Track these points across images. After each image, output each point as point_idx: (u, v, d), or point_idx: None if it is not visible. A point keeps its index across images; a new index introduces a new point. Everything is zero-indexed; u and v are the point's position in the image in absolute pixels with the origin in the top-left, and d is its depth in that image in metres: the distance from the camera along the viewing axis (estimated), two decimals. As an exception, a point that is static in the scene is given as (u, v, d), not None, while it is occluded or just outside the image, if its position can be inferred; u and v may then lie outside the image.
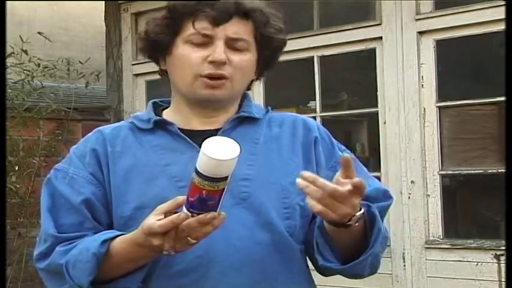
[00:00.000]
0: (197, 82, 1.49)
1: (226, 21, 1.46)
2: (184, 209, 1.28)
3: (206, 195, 1.25)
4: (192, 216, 1.26)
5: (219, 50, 1.46)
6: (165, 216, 1.29)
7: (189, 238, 1.29)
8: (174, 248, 1.30)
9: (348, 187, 1.29)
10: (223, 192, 1.27)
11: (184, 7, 1.48)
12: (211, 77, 1.48)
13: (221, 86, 1.49)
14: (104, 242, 1.40)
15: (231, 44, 1.48)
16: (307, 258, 1.57)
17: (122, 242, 1.39)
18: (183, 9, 1.48)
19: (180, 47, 1.50)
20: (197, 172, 1.25)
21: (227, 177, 1.25)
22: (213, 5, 1.46)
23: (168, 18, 1.50)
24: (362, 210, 1.37)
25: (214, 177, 1.24)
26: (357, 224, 1.37)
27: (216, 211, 1.27)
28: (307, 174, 1.31)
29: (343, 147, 1.64)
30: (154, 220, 1.29)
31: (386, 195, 1.55)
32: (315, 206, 1.30)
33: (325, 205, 1.29)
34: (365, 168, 1.63)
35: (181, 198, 1.29)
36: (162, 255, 1.35)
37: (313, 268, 1.57)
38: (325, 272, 1.53)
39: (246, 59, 1.51)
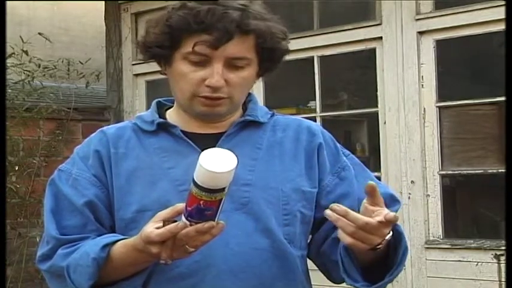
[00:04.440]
0: (195, 100, 1.48)
1: (226, 42, 1.42)
2: (183, 217, 1.28)
3: (204, 205, 1.25)
4: (191, 225, 1.27)
5: (216, 76, 1.43)
6: (164, 224, 1.28)
7: (187, 246, 1.29)
8: (171, 256, 1.30)
9: (379, 218, 1.29)
10: (221, 202, 1.27)
11: (184, 26, 1.43)
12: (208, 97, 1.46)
13: (219, 104, 1.48)
14: (105, 246, 1.40)
15: (231, 62, 1.45)
16: (323, 270, 1.56)
17: (122, 246, 1.40)
18: (182, 28, 1.43)
19: (179, 62, 1.47)
20: (195, 183, 1.25)
21: (224, 188, 1.26)
22: (213, 24, 1.41)
23: (167, 33, 1.45)
24: (390, 233, 1.36)
25: (212, 189, 1.24)
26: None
27: (214, 220, 1.27)
28: (337, 207, 1.30)
29: (348, 152, 1.63)
30: (152, 228, 1.29)
31: (393, 199, 1.54)
32: (346, 238, 1.30)
33: (356, 238, 1.29)
34: (370, 173, 1.63)
35: (181, 206, 1.29)
36: (160, 262, 1.35)
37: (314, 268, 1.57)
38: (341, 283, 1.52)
39: (245, 76, 1.48)
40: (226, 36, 1.41)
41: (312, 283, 1.59)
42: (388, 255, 1.42)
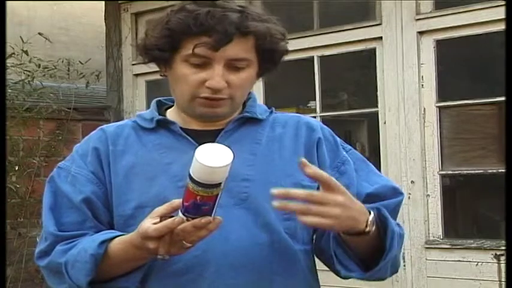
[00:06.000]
0: (195, 102, 1.48)
1: (226, 44, 1.42)
2: (179, 213, 1.29)
3: (200, 200, 1.26)
4: (187, 220, 1.27)
5: (217, 78, 1.44)
6: (160, 220, 1.29)
7: (184, 242, 1.30)
8: (168, 252, 1.31)
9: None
10: (218, 198, 1.28)
11: (183, 29, 1.44)
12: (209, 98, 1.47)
13: (220, 105, 1.48)
14: (102, 243, 1.40)
15: (231, 63, 1.46)
16: (328, 266, 1.56)
17: (119, 243, 1.40)
18: (182, 31, 1.44)
19: (179, 64, 1.47)
20: (191, 178, 1.26)
21: (221, 183, 1.26)
22: (213, 26, 1.42)
23: (167, 36, 1.46)
24: (372, 214, 1.38)
25: (208, 184, 1.25)
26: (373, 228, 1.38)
27: (211, 215, 1.28)
28: (277, 191, 1.29)
29: (349, 147, 1.63)
30: (149, 224, 1.30)
31: (395, 191, 1.55)
32: (306, 219, 1.29)
33: (313, 215, 1.29)
34: (372, 167, 1.63)
35: (177, 201, 1.30)
36: (157, 258, 1.35)
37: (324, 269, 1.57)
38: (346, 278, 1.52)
39: (246, 77, 1.49)
40: (226, 38, 1.42)
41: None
42: (381, 242, 1.43)
